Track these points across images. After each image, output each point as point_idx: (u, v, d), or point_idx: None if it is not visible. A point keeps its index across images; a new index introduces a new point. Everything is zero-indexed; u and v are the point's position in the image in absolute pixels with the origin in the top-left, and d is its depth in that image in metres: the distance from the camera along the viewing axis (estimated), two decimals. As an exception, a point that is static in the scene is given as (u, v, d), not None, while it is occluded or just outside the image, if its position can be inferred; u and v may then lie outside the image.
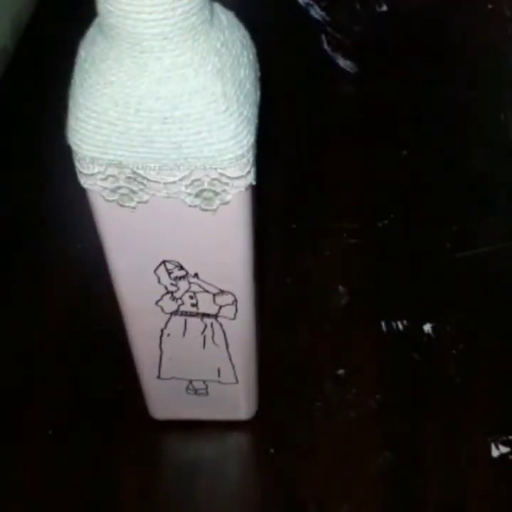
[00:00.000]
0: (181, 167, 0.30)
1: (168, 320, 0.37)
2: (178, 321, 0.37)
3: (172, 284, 0.35)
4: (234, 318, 0.37)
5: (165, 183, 0.30)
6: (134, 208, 0.31)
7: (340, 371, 0.46)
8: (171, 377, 0.40)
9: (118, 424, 0.44)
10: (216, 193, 0.31)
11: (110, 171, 0.30)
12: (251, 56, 0.31)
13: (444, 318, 0.48)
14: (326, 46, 0.63)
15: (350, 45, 0.63)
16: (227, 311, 0.36)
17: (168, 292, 0.35)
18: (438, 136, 0.57)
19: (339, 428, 0.44)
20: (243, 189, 0.31)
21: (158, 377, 0.40)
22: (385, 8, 0.66)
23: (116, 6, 0.27)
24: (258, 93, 0.31)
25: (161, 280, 0.35)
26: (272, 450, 0.43)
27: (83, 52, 0.30)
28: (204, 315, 0.37)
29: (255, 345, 0.40)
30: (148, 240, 0.33)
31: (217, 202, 0.31)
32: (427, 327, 0.47)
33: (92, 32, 0.30)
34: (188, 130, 0.29)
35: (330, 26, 0.64)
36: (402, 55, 0.63)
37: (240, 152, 0.30)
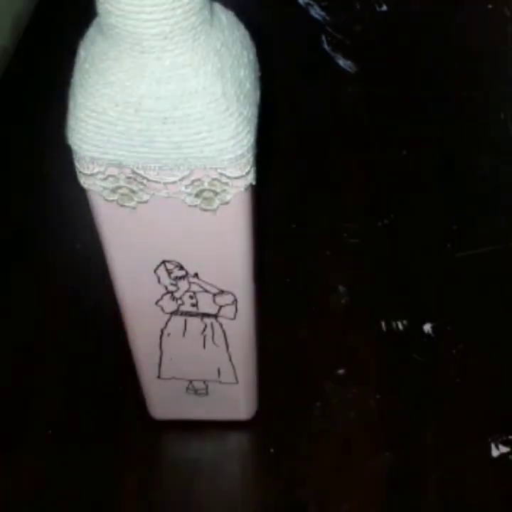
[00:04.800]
0: (181, 167, 0.30)
1: (168, 320, 0.37)
2: (178, 321, 0.37)
3: (172, 284, 0.35)
4: (234, 318, 0.37)
5: (165, 183, 0.30)
6: (134, 208, 0.31)
7: (341, 371, 0.46)
8: (171, 377, 0.40)
9: (118, 424, 0.44)
10: (216, 193, 0.31)
11: (110, 171, 0.30)
12: (251, 56, 0.31)
13: (444, 318, 0.48)
14: (326, 46, 0.63)
15: (350, 45, 0.63)
16: (227, 311, 0.36)
17: (168, 292, 0.35)
18: (438, 136, 0.57)
19: (339, 428, 0.44)
20: (243, 189, 0.31)
21: (159, 377, 0.40)
22: (385, 8, 0.66)
23: (116, 6, 0.27)
24: (258, 93, 0.31)
25: (161, 280, 0.35)
26: (271, 450, 0.43)
27: (83, 52, 0.30)
28: (204, 315, 0.37)
29: (255, 345, 0.40)
30: (148, 239, 0.33)
31: (217, 202, 0.31)
32: (427, 327, 0.47)
33: (91, 32, 0.30)
34: (188, 130, 0.29)
35: (330, 26, 0.64)
36: (402, 55, 0.63)
37: (239, 152, 0.30)
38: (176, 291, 0.35)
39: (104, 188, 0.31)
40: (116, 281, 0.35)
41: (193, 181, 0.30)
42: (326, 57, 0.62)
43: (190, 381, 0.41)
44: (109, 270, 0.35)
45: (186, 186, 0.30)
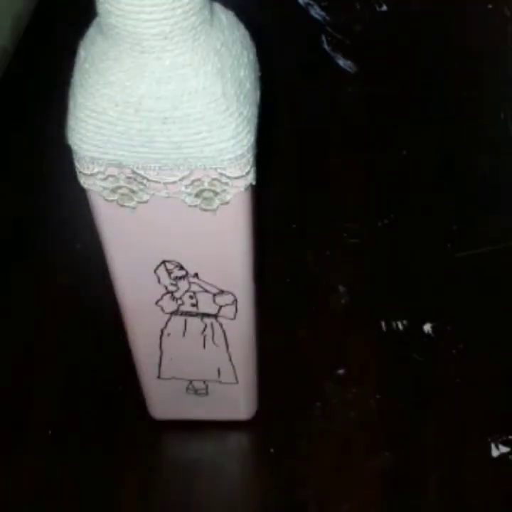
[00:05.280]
0: (181, 167, 0.30)
1: (168, 320, 0.37)
2: (178, 321, 0.37)
3: (172, 284, 0.35)
4: (234, 318, 0.37)
5: (165, 183, 0.30)
6: (133, 208, 0.31)
7: (341, 371, 0.46)
8: (171, 377, 0.40)
9: (118, 425, 0.44)
10: (216, 193, 0.31)
11: (110, 171, 0.30)
12: (251, 56, 0.31)
13: (444, 318, 0.48)
14: (326, 46, 0.63)
15: (350, 45, 0.63)
16: (227, 311, 0.36)
17: (168, 292, 0.35)
18: (438, 136, 0.57)
19: (339, 428, 0.44)
20: (243, 189, 0.31)
21: (159, 377, 0.40)
22: (384, 8, 0.66)
23: (116, 6, 0.27)
24: (258, 93, 0.31)
25: (161, 280, 0.35)
26: (271, 450, 0.43)
27: (83, 53, 0.30)
28: (204, 315, 0.37)
29: (255, 345, 0.40)
30: (148, 239, 0.33)
31: (217, 202, 0.31)
32: (427, 327, 0.47)
33: (91, 32, 0.30)
34: (188, 130, 0.29)
35: (330, 26, 0.64)
36: (402, 55, 0.63)
37: (239, 152, 0.30)
38: (176, 291, 0.35)
39: (104, 188, 0.31)
40: (116, 281, 0.35)
41: (193, 181, 0.30)
42: (326, 57, 0.62)
43: (190, 381, 0.41)
44: (109, 270, 0.35)
45: (186, 186, 0.30)
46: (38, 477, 0.43)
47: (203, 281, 0.35)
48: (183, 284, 0.35)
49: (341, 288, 0.49)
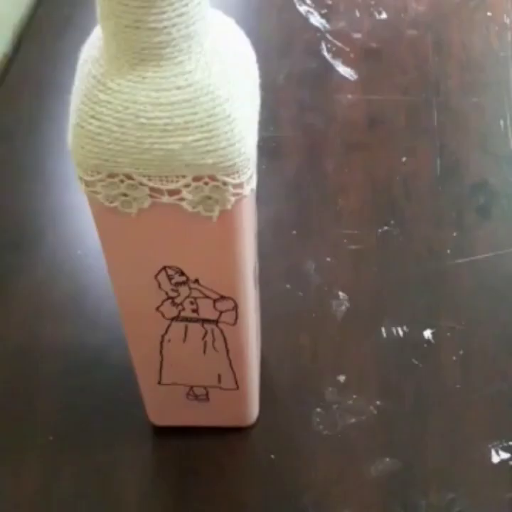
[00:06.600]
0: (182, 174, 0.30)
1: (169, 326, 0.37)
2: (178, 326, 0.37)
3: (173, 290, 0.35)
4: (234, 323, 0.37)
5: (165, 190, 0.30)
6: (134, 214, 0.31)
7: (341, 377, 0.46)
8: (172, 383, 0.40)
9: (118, 431, 0.44)
10: (217, 200, 0.31)
11: (110, 177, 0.30)
12: (252, 64, 0.32)
13: (444, 324, 0.48)
14: (325, 53, 0.63)
15: (349, 53, 0.63)
16: (228, 317, 0.36)
17: (168, 298, 0.35)
18: (438, 144, 0.58)
19: (339, 434, 0.44)
20: (244, 195, 0.31)
21: (159, 383, 0.40)
22: (384, 15, 0.66)
23: (116, 13, 0.27)
24: (258, 101, 0.31)
25: (162, 286, 0.35)
26: (272, 456, 0.43)
27: (84, 58, 0.30)
28: (204, 321, 0.37)
29: (256, 351, 0.40)
30: (149, 246, 0.33)
31: (218, 208, 0.31)
32: (427, 333, 0.48)
33: (92, 38, 0.30)
34: (189, 137, 0.29)
35: (330, 34, 0.64)
36: (402, 62, 0.63)
37: (240, 158, 0.30)
38: (176, 296, 0.35)
39: (105, 195, 0.31)
40: (116, 287, 0.35)
41: (193, 188, 0.30)
42: (325, 64, 0.63)
43: (191, 387, 0.41)
44: (110, 275, 0.35)
45: (187, 193, 0.30)
46: (38, 477, 0.43)
47: (204, 287, 0.35)
48: (183, 290, 0.35)
49: (342, 294, 0.49)
